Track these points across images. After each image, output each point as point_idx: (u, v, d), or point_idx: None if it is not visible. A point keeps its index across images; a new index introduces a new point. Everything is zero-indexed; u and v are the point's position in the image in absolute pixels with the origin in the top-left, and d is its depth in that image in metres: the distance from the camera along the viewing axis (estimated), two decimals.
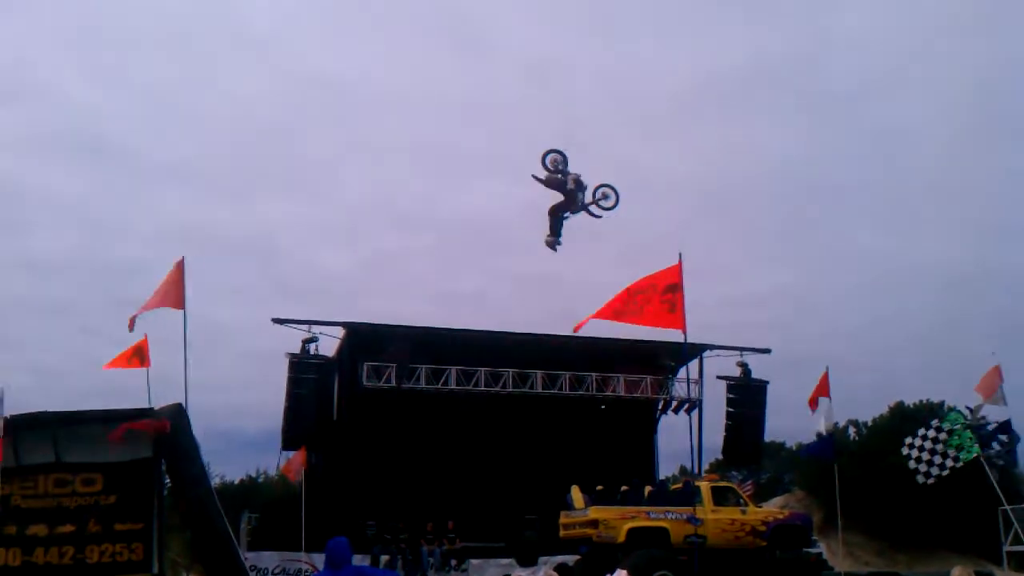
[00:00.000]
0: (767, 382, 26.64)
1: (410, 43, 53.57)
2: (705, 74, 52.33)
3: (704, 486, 18.52)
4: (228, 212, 52.79)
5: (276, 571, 21.00)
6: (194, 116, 53.51)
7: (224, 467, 32.69)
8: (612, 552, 16.76)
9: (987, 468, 18.68)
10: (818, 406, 21.63)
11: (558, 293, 47.32)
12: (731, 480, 25.44)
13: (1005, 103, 50.41)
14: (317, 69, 53.11)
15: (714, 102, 54.87)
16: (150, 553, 13.33)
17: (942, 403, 27.31)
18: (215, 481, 24.84)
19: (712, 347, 26.78)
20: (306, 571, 20.61)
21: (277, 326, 23.41)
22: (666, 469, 31.14)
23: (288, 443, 23.55)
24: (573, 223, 14.82)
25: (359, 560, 18.74)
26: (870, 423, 29.04)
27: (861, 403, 34.75)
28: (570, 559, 18.55)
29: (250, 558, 19.94)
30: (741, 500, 18.59)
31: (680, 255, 13.17)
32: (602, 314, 13.42)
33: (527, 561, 21.07)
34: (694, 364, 27.36)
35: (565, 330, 20.00)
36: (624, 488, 18.17)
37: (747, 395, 26.44)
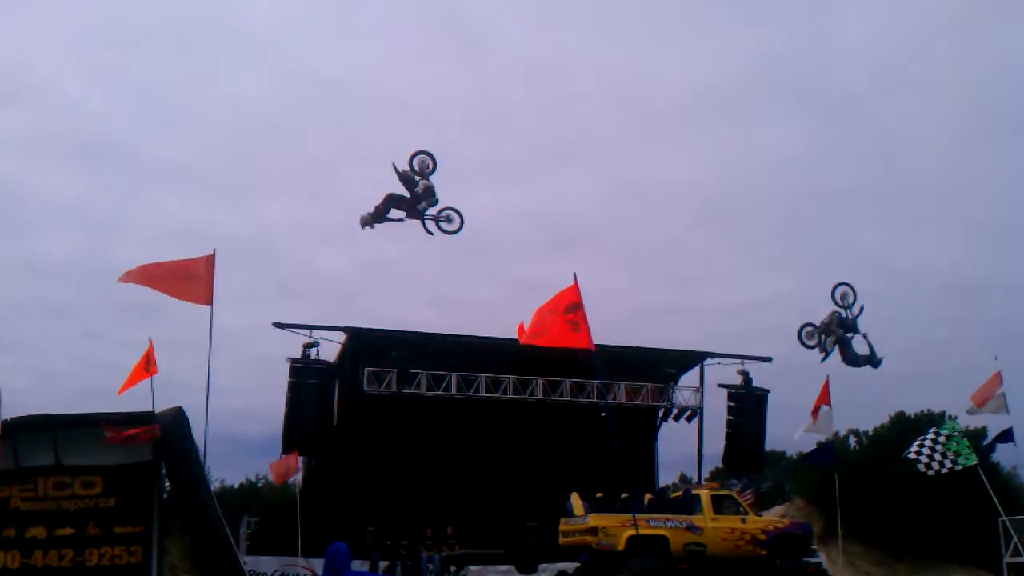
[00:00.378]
0: (768, 390, 26.62)
1: (410, 44, 53.68)
2: (705, 78, 52.39)
3: (704, 494, 18.53)
4: (228, 213, 52.74)
5: None
6: (194, 116, 53.59)
7: (224, 471, 32.61)
8: (612, 560, 16.75)
9: (984, 479, 18.72)
10: (819, 415, 21.78)
11: None
12: (731, 488, 25.44)
13: (1006, 105, 50.37)
14: (317, 69, 53.20)
15: (714, 106, 54.94)
16: (149, 556, 13.37)
17: (943, 413, 27.27)
18: (215, 485, 24.88)
19: (713, 355, 26.81)
20: None
21: (278, 330, 23.47)
22: (666, 477, 31.11)
23: (288, 448, 23.54)
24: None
25: (358, 566, 18.71)
26: (871, 432, 28.99)
27: (862, 412, 34.67)
28: (570, 567, 18.56)
29: (249, 562, 19.89)
30: (741, 509, 18.59)
31: (575, 275, 13.17)
32: (520, 335, 13.59)
33: (527, 568, 21.07)
34: (695, 372, 27.42)
35: None
36: (624, 496, 18.17)
37: (748, 403, 26.40)
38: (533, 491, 24.31)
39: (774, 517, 22.00)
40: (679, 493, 20.05)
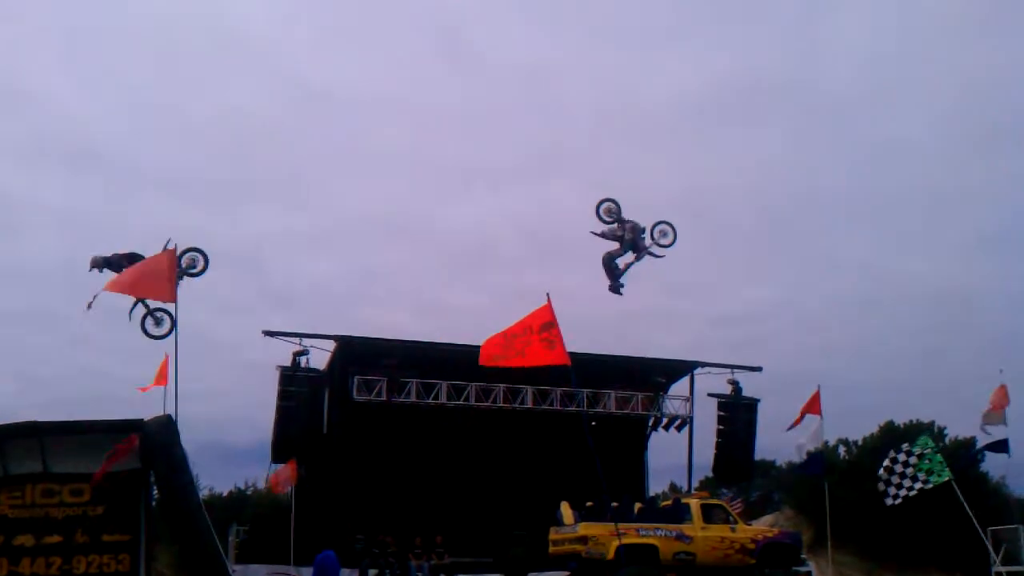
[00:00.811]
0: (758, 400, 26.67)
1: (404, 52, 53.80)
2: (696, 85, 52.33)
3: (694, 503, 18.56)
4: (219, 221, 52.51)
5: None
6: (185, 124, 53.40)
7: (212, 479, 32.45)
8: (601, 569, 16.75)
9: (959, 493, 18.90)
10: (803, 422, 21.88)
11: None
12: (721, 497, 25.47)
13: (1001, 113, 50.48)
14: (310, 78, 53.20)
15: (712, 112, 54.98)
16: (137, 565, 13.32)
17: (932, 423, 27.40)
18: (203, 493, 24.81)
19: (703, 364, 26.85)
20: None
21: (268, 338, 23.41)
22: (656, 486, 31.13)
23: (278, 456, 23.48)
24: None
25: (347, 574, 18.72)
26: (860, 442, 29.07)
27: (852, 422, 34.74)
28: (559, 575, 18.53)
29: (238, 571, 19.84)
30: (731, 518, 18.62)
31: (548, 295, 13.56)
32: (482, 358, 13.97)
33: None
34: (685, 381, 27.43)
35: None
36: (614, 505, 18.16)
37: (738, 413, 26.46)
38: (522, 500, 24.33)
39: (764, 526, 22.04)
40: (669, 502, 20.06)
